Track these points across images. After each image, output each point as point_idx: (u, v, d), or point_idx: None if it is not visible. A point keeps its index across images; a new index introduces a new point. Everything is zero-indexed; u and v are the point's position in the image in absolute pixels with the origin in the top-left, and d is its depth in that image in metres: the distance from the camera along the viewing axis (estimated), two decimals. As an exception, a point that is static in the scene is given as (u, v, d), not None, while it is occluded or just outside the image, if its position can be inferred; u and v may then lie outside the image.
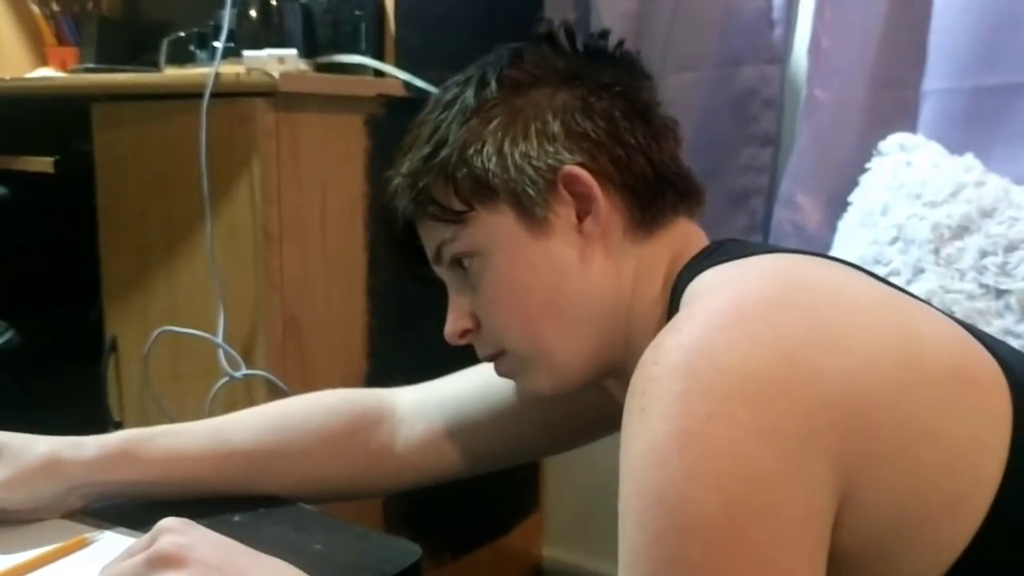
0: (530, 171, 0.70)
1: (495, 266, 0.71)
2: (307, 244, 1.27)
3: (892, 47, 1.35)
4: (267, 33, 1.33)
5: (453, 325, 0.76)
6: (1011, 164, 1.22)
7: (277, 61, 1.23)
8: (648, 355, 0.56)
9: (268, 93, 1.20)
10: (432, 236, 0.74)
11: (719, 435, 0.51)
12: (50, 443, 0.78)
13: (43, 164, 1.49)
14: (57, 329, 1.65)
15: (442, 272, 0.76)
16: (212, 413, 1.24)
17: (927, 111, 1.34)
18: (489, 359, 0.77)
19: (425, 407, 0.90)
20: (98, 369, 1.43)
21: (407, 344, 1.42)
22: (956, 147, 1.25)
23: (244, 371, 1.21)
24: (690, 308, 0.60)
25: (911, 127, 1.34)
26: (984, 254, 1.12)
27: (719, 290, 0.61)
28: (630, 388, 0.56)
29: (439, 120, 0.73)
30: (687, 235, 0.74)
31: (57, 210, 1.60)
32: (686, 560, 0.50)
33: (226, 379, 1.22)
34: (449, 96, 0.74)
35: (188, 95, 1.22)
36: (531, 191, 0.70)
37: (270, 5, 1.34)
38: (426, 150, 0.73)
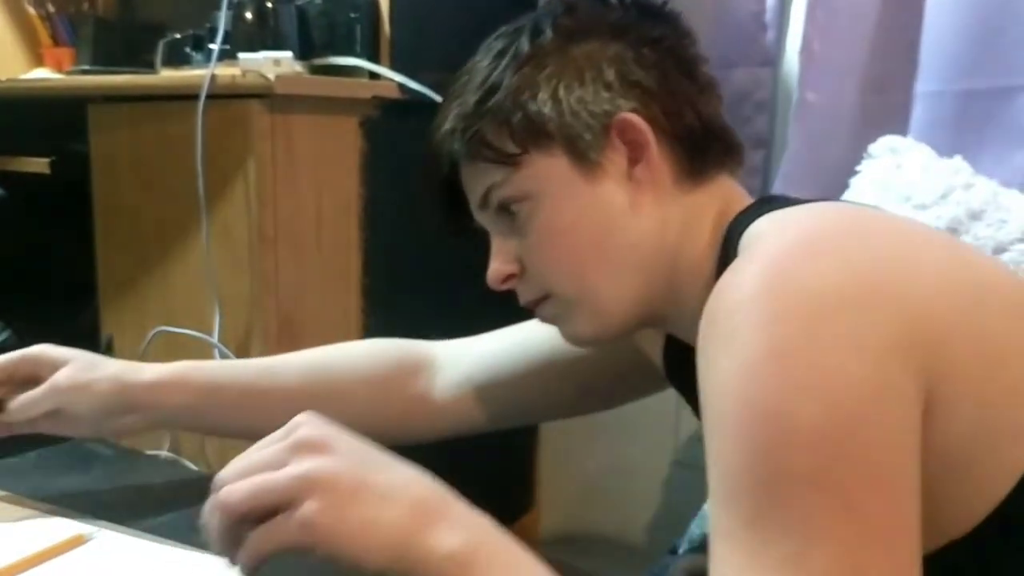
0: (585, 116, 0.71)
1: (546, 209, 0.73)
2: (302, 245, 1.28)
3: (883, 50, 1.36)
4: (263, 35, 1.33)
5: (497, 269, 0.77)
6: (999, 166, 1.23)
7: (272, 63, 1.23)
8: (726, 283, 0.58)
9: (263, 95, 1.21)
10: (480, 181, 0.75)
11: (812, 349, 0.53)
12: (116, 364, 0.86)
13: (39, 165, 1.50)
14: (53, 329, 1.65)
15: (486, 218, 0.77)
16: (208, 413, 1.25)
17: (917, 114, 1.35)
18: (532, 304, 0.77)
19: (462, 358, 0.93)
20: (94, 369, 1.43)
21: (402, 344, 1.43)
22: (946, 149, 1.26)
23: (239, 371, 1.22)
24: (762, 241, 0.62)
25: (902, 130, 1.35)
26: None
27: (788, 226, 0.63)
28: (706, 317, 0.58)
29: (491, 68, 0.74)
30: (732, 189, 0.76)
31: (53, 211, 1.60)
32: (791, 470, 0.51)
33: (221, 379, 1.22)
34: (499, 46, 0.75)
35: (184, 97, 1.23)
36: (586, 136, 0.71)
37: (266, 7, 1.35)
38: (479, 95, 0.73)
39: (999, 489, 0.56)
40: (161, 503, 0.84)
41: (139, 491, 0.86)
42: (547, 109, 0.71)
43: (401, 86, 1.35)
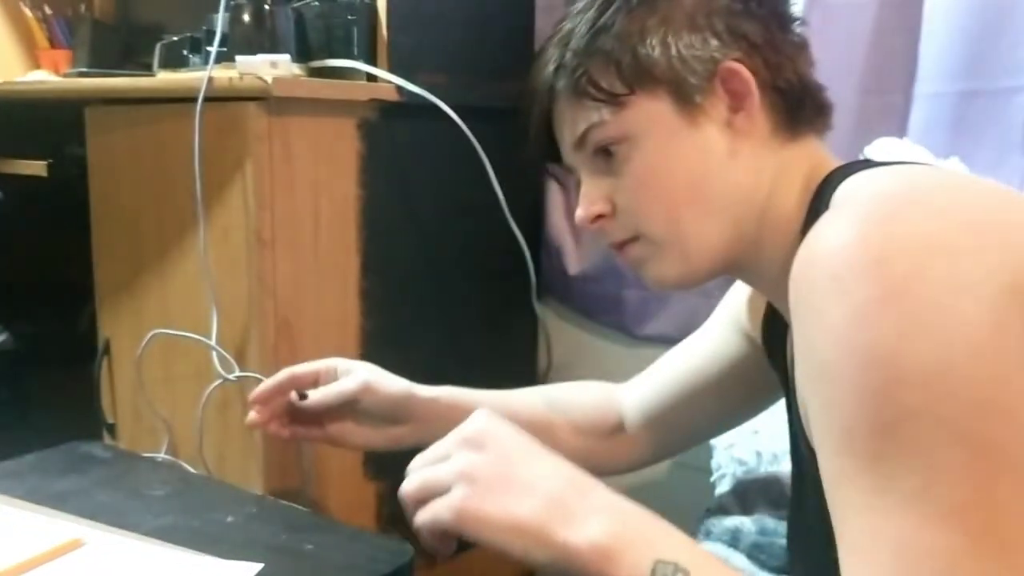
0: (692, 62, 0.73)
1: (646, 151, 0.75)
2: (300, 247, 1.28)
3: (880, 52, 1.36)
4: (260, 38, 1.33)
5: (588, 208, 0.78)
6: (997, 168, 1.23)
7: (270, 65, 1.23)
8: (824, 229, 0.59)
9: (261, 97, 1.21)
10: (581, 119, 0.76)
11: (921, 291, 0.53)
12: (403, 379, 1.00)
13: (36, 167, 1.50)
14: (50, 332, 1.66)
15: (579, 158, 0.79)
16: (205, 416, 1.25)
17: (915, 115, 1.35)
18: (620, 245, 0.79)
19: (644, 397, 1.04)
20: (91, 372, 1.43)
21: (400, 346, 1.43)
22: (944, 151, 1.26)
23: (237, 373, 1.22)
24: (857, 194, 0.64)
25: (899, 131, 1.35)
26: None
27: (883, 180, 0.65)
28: (805, 264, 0.59)
29: (600, 10, 0.76)
30: (821, 150, 0.78)
31: (50, 213, 1.60)
32: (909, 409, 0.52)
33: (219, 381, 1.22)
34: None
35: (181, 99, 1.23)
36: (692, 80, 0.73)
37: (263, 10, 1.35)
38: (589, 35, 0.75)
39: None
40: (158, 506, 0.84)
41: (137, 494, 0.86)
42: (656, 53, 0.73)
43: (399, 88, 1.35)
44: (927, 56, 1.33)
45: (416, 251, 1.47)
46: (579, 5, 0.79)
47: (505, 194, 1.47)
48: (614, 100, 0.74)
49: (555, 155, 0.82)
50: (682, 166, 0.74)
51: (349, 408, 0.98)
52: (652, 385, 1.03)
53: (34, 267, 1.65)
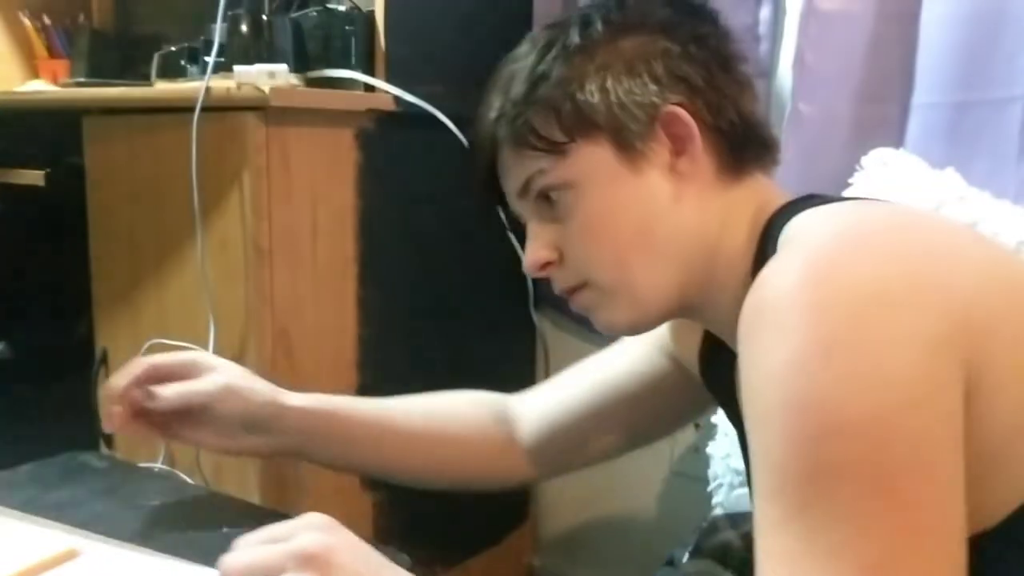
0: (633, 108, 0.73)
1: (589, 198, 0.74)
2: (297, 257, 1.28)
3: (877, 62, 1.37)
4: (258, 48, 1.34)
5: (534, 255, 0.78)
6: (993, 179, 1.24)
7: (268, 76, 1.23)
8: (771, 274, 0.59)
9: (259, 107, 1.21)
10: (523, 168, 0.76)
11: (860, 340, 0.53)
12: (269, 384, 0.90)
13: (34, 177, 1.50)
14: (47, 341, 1.65)
15: (524, 206, 0.78)
16: (202, 425, 1.25)
17: (912, 126, 1.36)
18: (569, 292, 0.78)
19: (540, 407, 0.99)
20: (88, 381, 1.43)
21: (398, 356, 1.43)
22: (940, 161, 1.26)
23: (234, 383, 1.22)
24: (805, 234, 0.64)
25: (896, 142, 1.35)
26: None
27: (832, 219, 0.65)
28: (751, 308, 0.59)
29: (539, 58, 0.75)
30: (769, 187, 0.78)
31: (48, 223, 1.60)
32: (838, 460, 0.52)
33: (216, 391, 1.22)
34: (545, 39, 0.76)
35: (179, 109, 1.23)
36: (632, 127, 0.73)
37: (261, 20, 1.35)
38: (528, 84, 0.75)
39: None
40: (155, 516, 0.83)
41: (133, 504, 0.86)
42: (595, 100, 0.73)
43: (396, 98, 1.36)
44: (923, 67, 1.34)
45: (414, 261, 1.47)
46: (519, 50, 0.78)
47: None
48: (555, 149, 0.73)
49: (503, 200, 0.80)
50: (627, 213, 0.74)
51: (204, 410, 0.88)
52: (558, 397, 0.99)
53: (32, 276, 1.65)
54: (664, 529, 1.70)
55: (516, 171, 0.77)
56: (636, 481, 1.73)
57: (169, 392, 0.86)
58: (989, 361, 0.56)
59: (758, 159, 0.77)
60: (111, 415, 0.85)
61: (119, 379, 0.87)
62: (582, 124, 0.73)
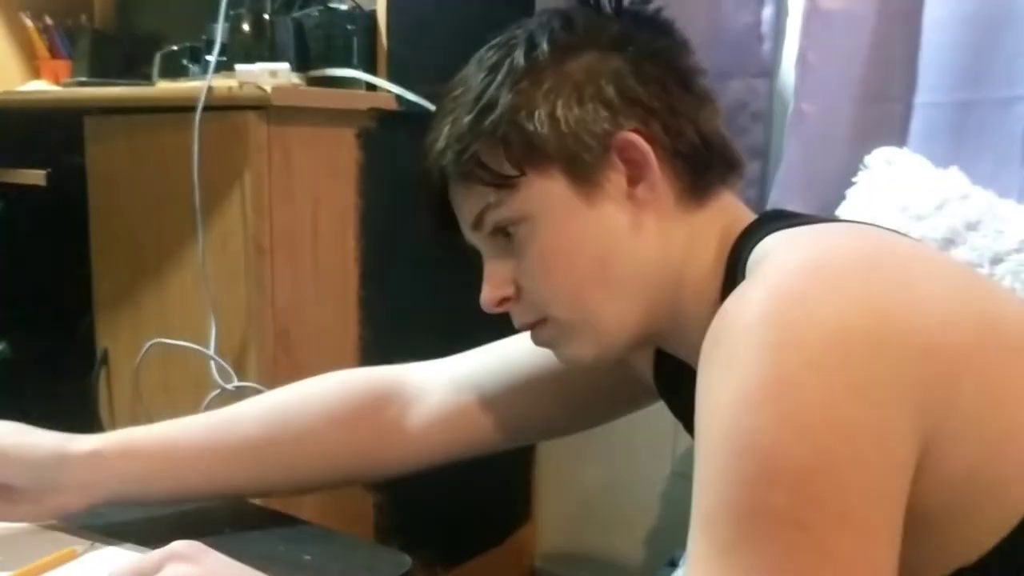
0: (585, 136, 0.69)
1: (544, 231, 0.70)
2: (299, 256, 1.28)
3: (879, 61, 1.37)
4: (260, 47, 1.34)
5: (491, 292, 0.74)
6: (996, 177, 1.23)
7: (269, 75, 1.23)
8: (732, 305, 0.57)
9: (260, 106, 1.21)
10: (474, 202, 0.72)
11: (812, 384, 0.52)
12: (56, 436, 0.79)
13: (36, 177, 1.50)
14: (49, 341, 1.65)
15: (478, 239, 0.74)
16: (203, 425, 1.25)
17: (915, 125, 1.36)
18: (528, 327, 0.75)
19: (437, 382, 0.89)
20: (89, 381, 1.43)
21: (398, 356, 1.42)
22: (943, 160, 1.26)
23: (236, 383, 1.22)
24: (770, 262, 0.60)
25: (899, 140, 1.35)
26: (971, 266, 1.13)
27: (798, 247, 0.61)
28: (710, 339, 0.57)
29: (485, 83, 0.71)
30: (734, 206, 0.74)
31: (49, 223, 1.60)
32: (772, 507, 0.51)
33: (218, 391, 1.22)
34: (493, 59, 0.72)
35: (181, 108, 1.23)
36: (585, 156, 0.69)
37: (263, 19, 1.35)
38: (473, 113, 0.70)
39: (1005, 522, 0.55)
40: (155, 517, 0.83)
41: (132, 505, 0.86)
42: (545, 129, 0.69)
43: (398, 97, 1.36)
44: (926, 66, 1.33)
45: (415, 260, 1.47)
46: (466, 72, 0.74)
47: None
48: (505, 182, 0.69)
49: (457, 234, 0.76)
50: (584, 246, 0.70)
51: None
52: (475, 370, 0.89)
53: (33, 276, 1.65)
54: (667, 530, 1.69)
55: (467, 204, 0.73)
56: (638, 482, 1.73)
57: None
58: (951, 405, 0.54)
59: (722, 179, 0.73)
60: None
61: None
62: (532, 156, 0.69)
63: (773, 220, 0.70)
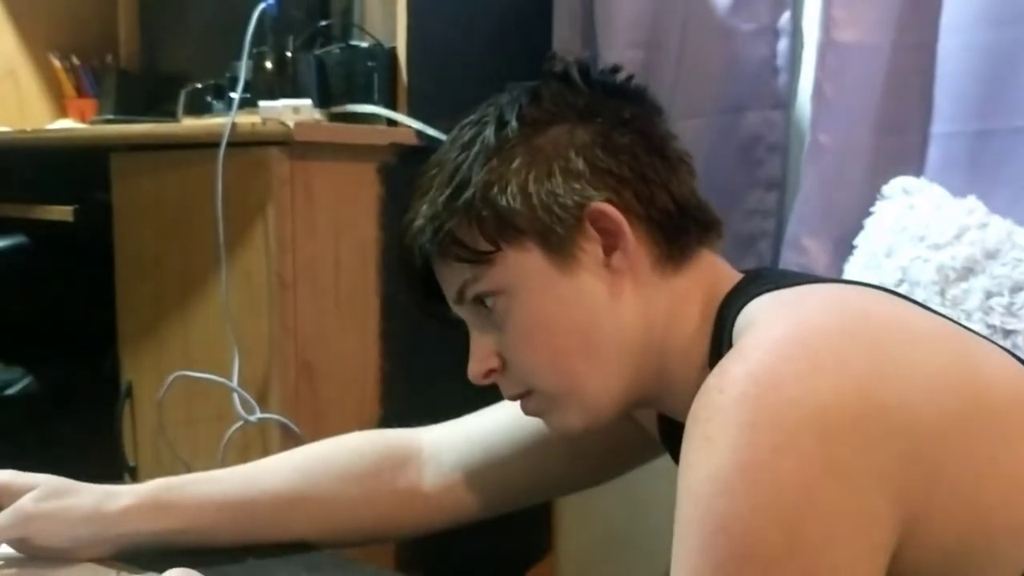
0: (556, 209, 0.69)
1: (523, 304, 0.71)
2: (321, 290, 1.29)
3: (895, 92, 1.37)
4: (282, 84, 1.36)
5: (477, 366, 0.75)
6: (1014, 206, 1.23)
7: (292, 111, 1.25)
8: (712, 382, 0.57)
9: (283, 142, 1.23)
10: (454, 277, 0.73)
11: (785, 467, 0.52)
12: (92, 492, 0.82)
13: (62, 213, 1.52)
14: (73, 375, 1.67)
15: (463, 312, 0.75)
16: (226, 457, 1.25)
17: (932, 155, 1.36)
18: (516, 398, 0.76)
19: (452, 445, 0.90)
20: (113, 414, 1.44)
21: (420, 388, 1.43)
22: (961, 190, 1.26)
23: (258, 415, 1.23)
24: (753, 335, 0.60)
25: (916, 171, 1.35)
26: (990, 295, 1.13)
27: (780, 317, 0.61)
28: (691, 415, 0.57)
29: (458, 161, 0.73)
30: (716, 266, 0.75)
31: (76, 258, 1.62)
32: None
33: (240, 423, 1.23)
34: (467, 137, 0.74)
35: (205, 145, 1.25)
36: (559, 229, 0.69)
37: (285, 57, 1.37)
38: (448, 191, 0.72)
39: None
40: (179, 547, 0.84)
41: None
42: (517, 204, 0.70)
43: (418, 133, 1.37)
44: (943, 96, 1.34)
45: (435, 293, 1.48)
46: (443, 148, 0.76)
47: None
48: (481, 258, 0.70)
49: (443, 307, 0.77)
50: (563, 317, 0.70)
51: (19, 543, 0.79)
52: (488, 432, 0.90)
53: (59, 311, 1.67)
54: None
55: (449, 280, 0.74)
56: (660, 514, 1.71)
57: None
58: (933, 480, 0.54)
59: (699, 240, 0.73)
60: None
61: None
62: (506, 230, 0.70)
63: (757, 281, 0.70)
